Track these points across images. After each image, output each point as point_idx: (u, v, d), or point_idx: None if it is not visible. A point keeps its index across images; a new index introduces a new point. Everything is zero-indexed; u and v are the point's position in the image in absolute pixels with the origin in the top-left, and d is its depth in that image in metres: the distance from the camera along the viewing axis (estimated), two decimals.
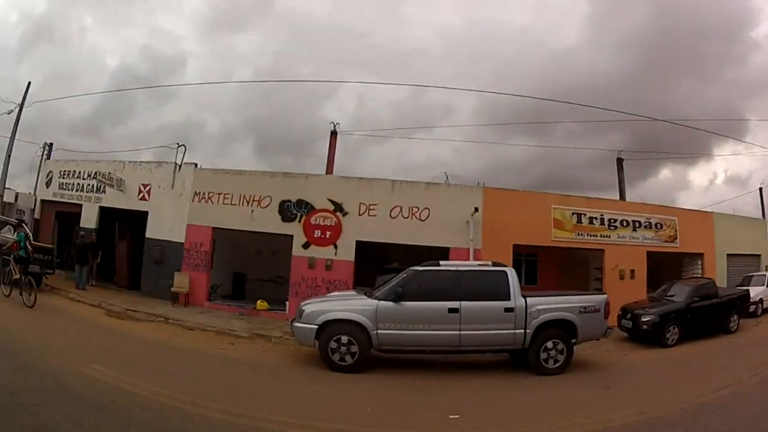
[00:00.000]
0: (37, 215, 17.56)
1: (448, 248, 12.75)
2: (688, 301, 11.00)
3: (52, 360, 6.03)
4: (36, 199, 17.89)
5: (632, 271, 14.89)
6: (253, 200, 13.11)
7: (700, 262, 16.27)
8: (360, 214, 12.73)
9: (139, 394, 5.06)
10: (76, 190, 16.07)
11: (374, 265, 13.39)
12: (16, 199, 18.41)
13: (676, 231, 15.77)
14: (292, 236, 12.87)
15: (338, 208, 12.76)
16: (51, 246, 13.60)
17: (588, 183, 37.18)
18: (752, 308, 13.37)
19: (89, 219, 15.47)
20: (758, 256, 17.58)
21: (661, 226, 15.70)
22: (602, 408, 5.42)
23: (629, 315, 11.06)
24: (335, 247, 12.70)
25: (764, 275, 15.33)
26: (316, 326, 7.13)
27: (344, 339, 7.01)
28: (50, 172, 17.18)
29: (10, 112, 18.52)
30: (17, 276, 10.22)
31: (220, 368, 7.13)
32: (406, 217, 12.75)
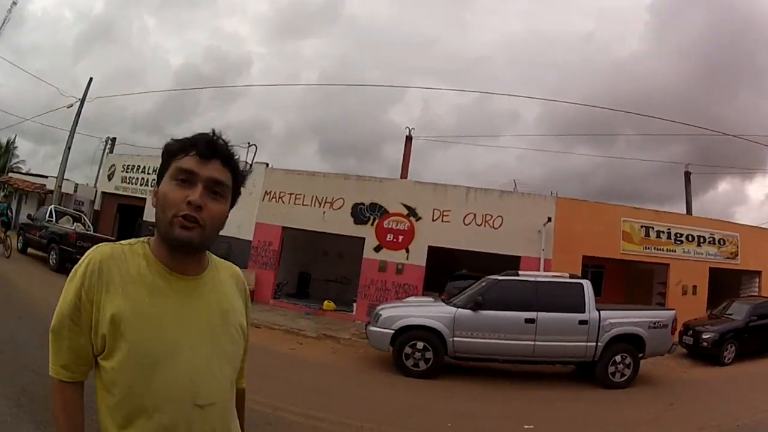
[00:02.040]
0: (97, 207, 17.38)
1: (519, 257, 12.22)
2: (746, 319, 10.53)
3: None
4: (96, 191, 17.71)
5: (694, 287, 14.28)
6: (326, 201, 12.70)
7: (757, 281, 15.55)
8: (434, 220, 12.24)
9: None
10: (140, 184, 15.83)
11: (442, 270, 12.96)
12: (75, 190, 18.25)
13: (737, 248, 15.08)
14: (364, 239, 12.43)
15: (412, 212, 12.29)
16: (111, 237, 13.25)
17: (648, 194, 36.06)
18: None
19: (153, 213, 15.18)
20: None
21: (724, 242, 15.03)
22: (667, 423, 5.38)
23: (690, 332, 10.56)
24: (407, 251, 12.23)
25: None
26: (393, 331, 6.92)
27: (420, 345, 6.81)
28: (113, 165, 16.99)
29: (70, 106, 18.34)
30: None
31: (292, 368, 6.82)
32: (479, 225, 12.23)
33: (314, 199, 12.78)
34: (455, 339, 6.87)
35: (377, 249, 12.33)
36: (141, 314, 1.00)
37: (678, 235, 14.46)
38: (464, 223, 12.21)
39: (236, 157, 1.10)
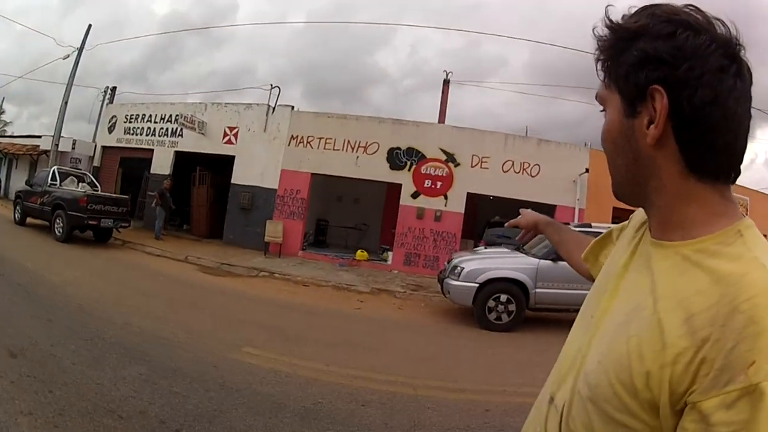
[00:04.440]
0: (97, 163, 15.63)
1: (554, 206, 11.63)
2: None
3: (187, 347, 4.28)
4: (96, 146, 15.92)
5: None
6: (359, 146, 11.63)
7: None
8: (472, 166, 11.43)
9: (331, 381, 3.82)
10: (146, 134, 14.26)
11: (473, 218, 12.27)
12: (73, 147, 16.36)
13: (747, 210, 15.20)
14: (400, 185, 11.50)
15: (450, 158, 11.42)
16: (125, 197, 11.50)
17: None
18: None
19: (162, 164, 13.71)
20: None
21: None
22: None
23: None
24: (445, 198, 11.38)
25: None
26: (477, 284, 6.47)
27: (503, 298, 6.41)
28: (114, 116, 15.29)
29: (66, 57, 16.50)
30: None
31: (381, 333, 6.07)
32: (518, 172, 11.54)
33: (346, 143, 11.68)
34: (537, 290, 6.52)
35: (414, 195, 11.41)
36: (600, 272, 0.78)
37: None
38: (503, 170, 11.47)
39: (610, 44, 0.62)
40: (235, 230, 12.37)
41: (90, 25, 15.96)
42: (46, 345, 3.82)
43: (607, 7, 0.61)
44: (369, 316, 6.87)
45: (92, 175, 14.39)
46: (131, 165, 14.98)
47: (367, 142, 11.60)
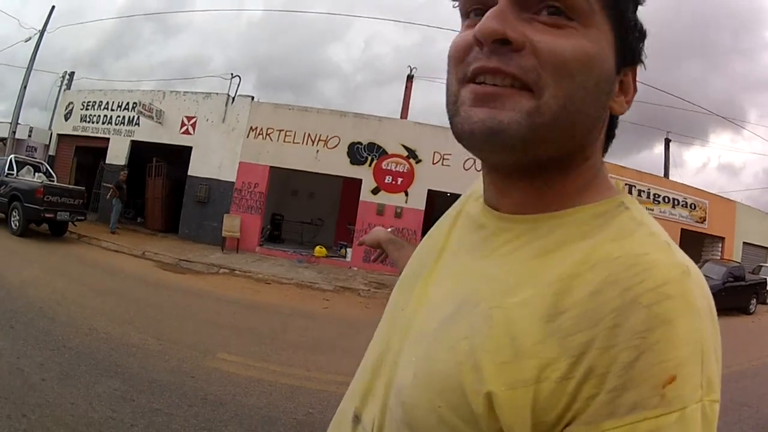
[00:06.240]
0: (52, 152, 14.78)
1: None
2: (723, 280, 11.01)
3: (160, 356, 3.91)
4: (51, 134, 15.06)
5: None
6: (319, 139, 11.18)
7: (720, 246, 15.90)
8: (434, 163, 11.11)
9: (316, 388, 3.59)
10: (103, 123, 13.52)
11: (430, 215, 11.99)
12: (30, 135, 15.46)
13: (705, 213, 15.37)
14: (361, 180, 11.09)
15: (412, 154, 11.08)
16: (82, 188, 10.74)
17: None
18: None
19: (118, 154, 13.00)
20: None
21: (695, 207, 15.24)
22: None
23: None
24: (406, 194, 11.02)
25: None
26: None
27: None
28: (71, 103, 14.47)
29: (28, 40, 15.68)
30: None
31: (354, 333, 5.69)
32: (479, 170, 11.26)
33: (307, 136, 11.22)
34: None
35: (375, 191, 11.02)
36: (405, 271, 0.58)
37: (656, 196, 14.49)
38: (464, 168, 11.17)
39: None
40: (191, 224, 11.78)
41: (53, 7, 15.20)
42: (12, 357, 3.42)
43: None
44: (338, 315, 6.63)
45: (47, 164, 13.62)
46: (86, 155, 14.20)
47: (327, 136, 11.16)
